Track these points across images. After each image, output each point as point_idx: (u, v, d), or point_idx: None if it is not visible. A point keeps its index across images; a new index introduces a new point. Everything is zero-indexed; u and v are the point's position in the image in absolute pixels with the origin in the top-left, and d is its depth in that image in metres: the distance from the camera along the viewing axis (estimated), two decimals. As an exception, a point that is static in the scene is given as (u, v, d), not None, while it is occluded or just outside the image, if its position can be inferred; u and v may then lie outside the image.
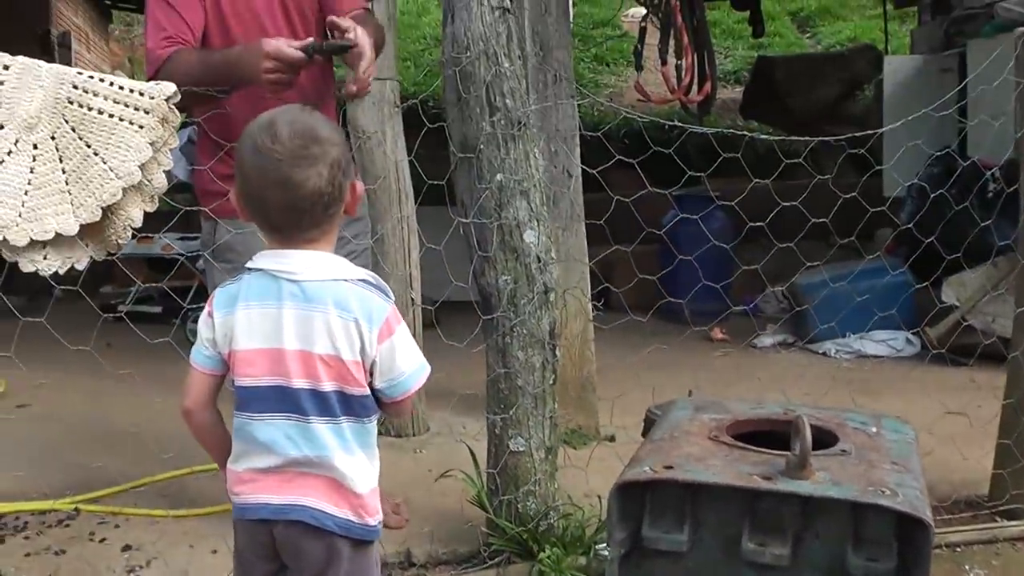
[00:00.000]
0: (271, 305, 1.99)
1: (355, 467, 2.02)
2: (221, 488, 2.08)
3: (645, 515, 1.88)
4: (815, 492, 1.78)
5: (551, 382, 3.18)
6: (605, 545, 2.90)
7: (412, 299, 4.23)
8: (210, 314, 2.05)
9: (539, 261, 3.11)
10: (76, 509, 3.68)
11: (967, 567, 3.33)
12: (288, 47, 2.78)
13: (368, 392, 2.02)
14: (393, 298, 2.05)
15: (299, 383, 1.98)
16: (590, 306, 4.31)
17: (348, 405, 2.00)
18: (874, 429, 2.15)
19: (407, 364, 2.02)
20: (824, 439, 2.07)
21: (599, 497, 3.22)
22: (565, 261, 4.08)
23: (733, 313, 6.07)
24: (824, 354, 5.99)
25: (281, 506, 2.02)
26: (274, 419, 2.00)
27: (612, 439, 4.23)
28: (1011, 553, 3.43)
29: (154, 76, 3.01)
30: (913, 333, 5.83)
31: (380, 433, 4.45)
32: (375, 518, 2.05)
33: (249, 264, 2.04)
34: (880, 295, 5.19)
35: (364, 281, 2.01)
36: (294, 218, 1.96)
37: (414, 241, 4.36)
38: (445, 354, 3.94)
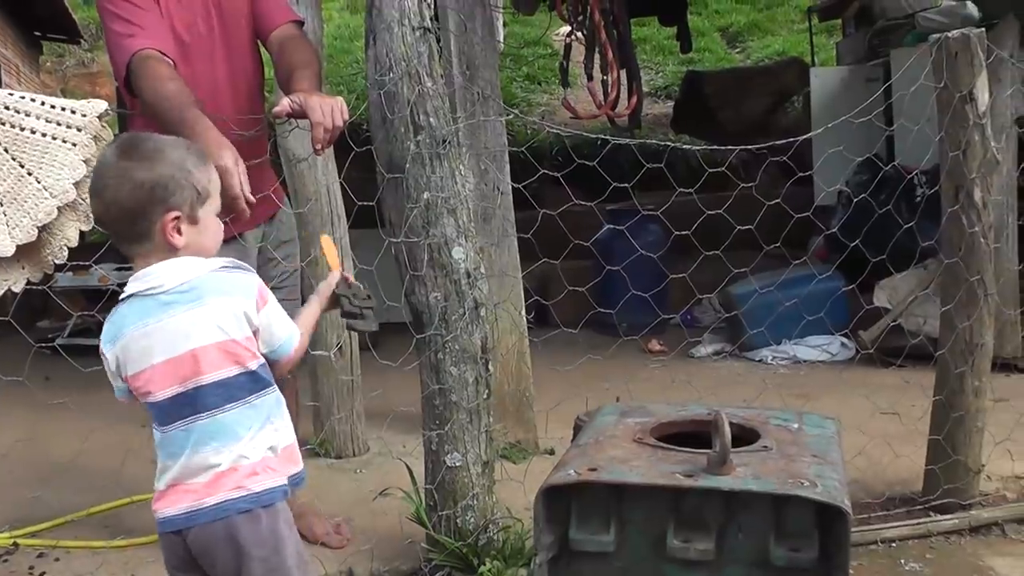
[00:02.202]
0: (151, 322, 2.08)
1: (260, 442, 2.11)
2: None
3: (572, 518, 1.91)
4: (735, 487, 1.82)
5: (485, 396, 3.20)
6: (544, 555, 2.92)
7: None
8: (101, 352, 2.15)
9: (468, 277, 3.14)
10: (15, 543, 3.64)
11: (902, 561, 3.39)
12: (239, 183, 2.68)
13: (264, 360, 2.14)
14: (254, 272, 2.21)
15: (201, 380, 2.07)
16: (524, 321, 4.34)
17: (254, 379, 2.11)
18: (796, 425, 2.20)
19: (283, 331, 2.18)
20: (747, 437, 2.12)
21: (538, 509, 3.24)
22: (498, 277, 4.11)
23: (671, 324, 6.14)
24: (761, 361, 6.06)
25: (189, 513, 2.08)
26: (184, 426, 2.08)
27: (551, 452, 4.25)
28: (945, 546, 3.50)
29: (127, 65, 2.98)
30: (843, 335, 5.91)
31: (318, 455, 4.47)
32: (273, 478, 2.12)
33: (122, 295, 2.14)
34: (813, 301, 5.27)
35: (224, 267, 2.13)
36: (109, 230, 2.13)
37: (348, 263, 4.37)
38: (382, 374, 3.96)
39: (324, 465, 4.41)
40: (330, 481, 4.20)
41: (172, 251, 2.11)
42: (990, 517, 3.60)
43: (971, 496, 3.68)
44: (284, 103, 2.91)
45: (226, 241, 3.19)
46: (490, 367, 3.23)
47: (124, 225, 2.09)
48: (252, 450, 2.09)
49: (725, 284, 5.86)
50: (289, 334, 2.19)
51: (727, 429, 1.85)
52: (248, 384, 2.10)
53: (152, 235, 2.09)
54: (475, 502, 3.21)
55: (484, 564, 3.15)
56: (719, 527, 1.86)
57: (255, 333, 2.12)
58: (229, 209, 2.66)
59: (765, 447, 2.03)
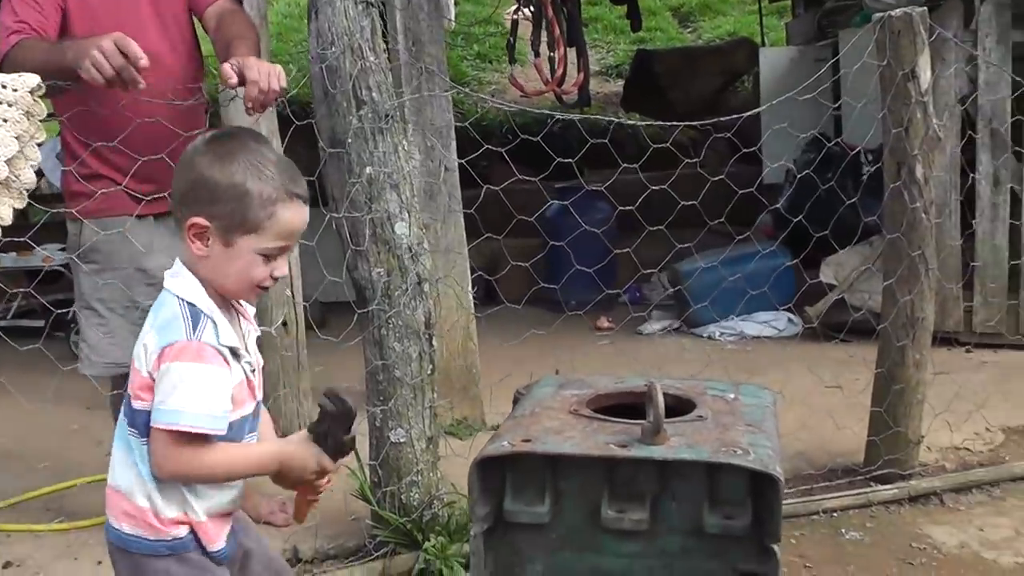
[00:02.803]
0: None
1: (134, 480, 1.97)
2: (103, 500, 2.07)
3: (507, 489, 1.91)
4: (668, 456, 1.83)
5: (429, 372, 3.20)
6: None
7: (291, 296, 4.20)
8: None
9: (411, 252, 3.13)
10: (-46, 527, 3.60)
11: (843, 531, 3.45)
12: (135, 44, 2.70)
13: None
14: (212, 343, 1.91)
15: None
16: (471, 297, 4.34)
17: (132, 418, 1.95)
18: (732, 396, 2.21)
19: (165, 396, 1.87)
20: (683, 408, 2.13)
21: (482, 484, 3.25)
22: (444, 253, 4.10)
23: (620, 302, 6.16)
24: (708, 337, 6.09)
25: None
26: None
27: (498, 428, 4.26)
28: (884, 516, 3.57)
29: (2, 60, 2.96)
30: (786, 309, 5.95)
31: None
32: (144, 531, 1.98)
33: None
34: (759, 276, 5.30)
35: (190, 305, 1.92)
36: None
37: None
38: (328, 352, 3.95)
39: (270, 444, 4.38)
40: (276, 459, 4.17)
41: (193, 256, 1.95)
42: (929, 487, 3.67)
43: (911, 466, 3.76)
44: (226, 67, 2.89)
45: (157, 217, 3.21)
46: (434, 342, 3.23)
47: (172, 204, 2.00)
48: (130, 484, 1.96)
49: (673, 261, 5.88)
50: (174, 407, 1.85)
51: (660, 399, 1.86)
52: (129, 416, 1.96)
53: (182, 228, 1.94)
54: (419, 478, 3.21)
55: (428, 540, 3.15)
56: (653, 497, 1.87)
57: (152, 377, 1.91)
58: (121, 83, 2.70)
59: (700, 417, 2.04)
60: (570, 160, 3.56)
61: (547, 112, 3.79)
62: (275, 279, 1.99)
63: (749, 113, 3.96)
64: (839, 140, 5.23)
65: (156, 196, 3.13)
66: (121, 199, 3.13)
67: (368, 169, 3.09)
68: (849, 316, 4.70)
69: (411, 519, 3.19)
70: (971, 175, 5.34)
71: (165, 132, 3.04)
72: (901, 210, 3.67)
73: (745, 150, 4.03)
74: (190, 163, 1.94)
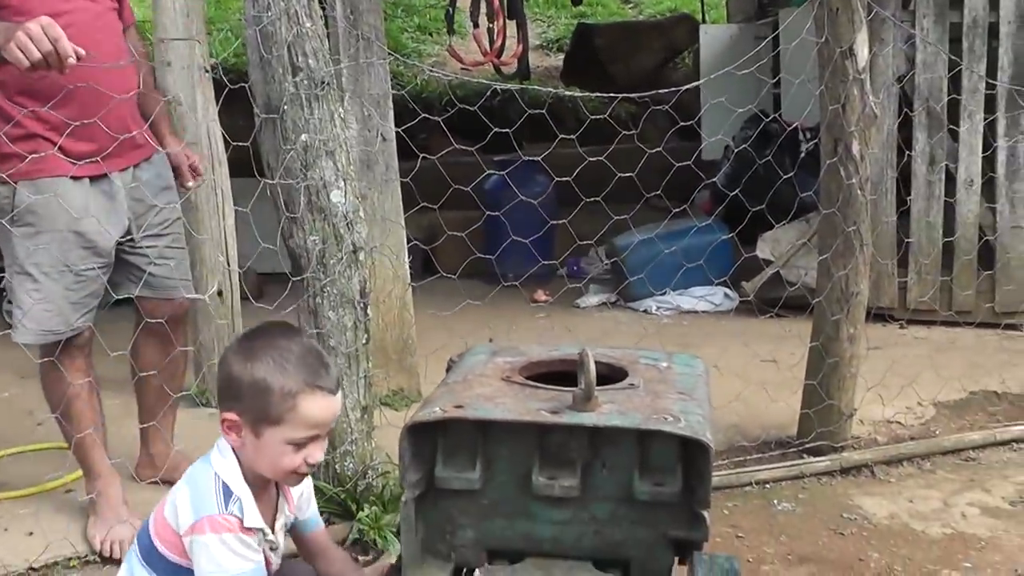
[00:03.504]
0: None
1: None
2: (35, 470, 2.08)
3: (438, 456, 1.90)
4: (599, 422, 1.83)
5: (364, 341, 3.18)
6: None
7: (226, 264, 4.16)
8: None
9: (347, 220, 3.10)
10: None
11: (775, 502, 3.49)
12: (66, 39, 2.71)
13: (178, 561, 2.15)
14: (233, 516, 2.09)
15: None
16: (407, 268, 4.31)
17: (153, 555, 2.18)
18: (665, 364, 2.22)
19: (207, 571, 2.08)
20: (616, 376, 2.13)
21: (417, 454, 3.24)
22: (380, 223, 4.08)
23: (559, 276, 6.16)
24: (645, 311, 6.11)
25: None
26: None
27: (432, 397, 4.25)
28: (816, 487, 3.61)
29: None
30: (721, 283, 5.99)
31: (198, 404, 4.38)
32: None
33: None
34: (697, 251, 5.33)
35: (225, 484, 2.11)
36: None
37: (228, 208, 4.29)
38: (260, 320, 3.90)
39: (204, 414, 4.33)
40: (209, 430, 4.10)
41: (231, 439, 2.15)
42: (860, 459, 3.72)
43: (843, 439, 3.80)
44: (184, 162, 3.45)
45: (93, 179, 3.15)
46: (368, 311, 3.20)
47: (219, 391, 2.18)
48: None
49: (611, 234, 5.89)
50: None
51: (592, 366, 1.85)
52: (145, 551, 2.18)
53: (223, 420, 2.14)
54: (354, 448, 3.20)
55: (362, 510, 3.14)
56: (584, 463, 1.87)
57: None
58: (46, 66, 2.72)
59: (632, 384, 2.05)
60: (508, 131, 3.55)
61: (486, 82, 3.77)
62: (311, 465, 2.14)
63: (688, 86, 3.97)
64: (776, 116, 5.25)
65: (91, 159, 3.08)
66: (56, 160, 3.07)
67: (303, 136, 3.05)
68: (785, 291, 4.74)
69: (345, 489, 3.17)
70: (907, 153, 5.40)
71: (100, 93, 3.00)
72: (837, 186, 3.70)
73: (683, 123, 4.04)
74: (224, 361, 2.15)
